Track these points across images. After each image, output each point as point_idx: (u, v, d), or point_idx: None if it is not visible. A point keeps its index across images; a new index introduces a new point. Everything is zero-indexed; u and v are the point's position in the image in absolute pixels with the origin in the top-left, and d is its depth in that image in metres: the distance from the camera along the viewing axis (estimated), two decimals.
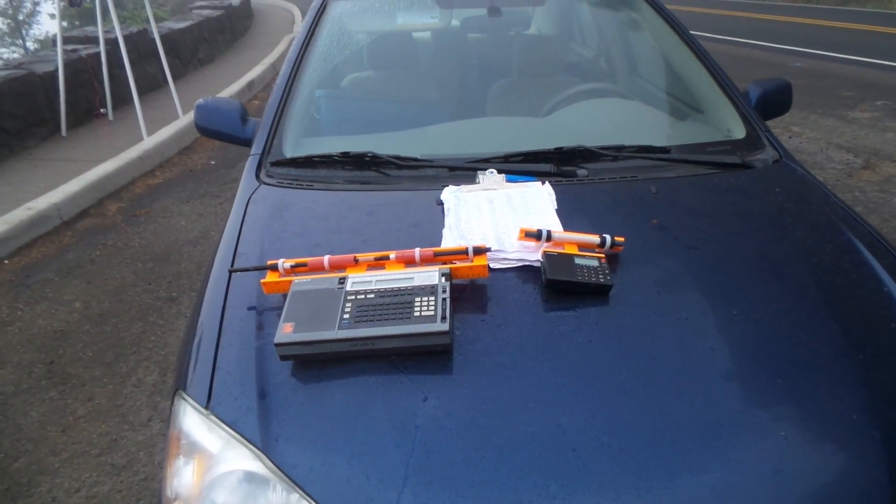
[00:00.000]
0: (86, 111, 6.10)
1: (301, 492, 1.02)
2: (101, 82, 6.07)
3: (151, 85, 7.28)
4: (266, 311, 1.30)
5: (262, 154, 1.86)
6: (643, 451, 1.02)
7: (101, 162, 4.86)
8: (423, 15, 2.50)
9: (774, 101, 2.20)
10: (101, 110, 6.18)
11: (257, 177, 1.78)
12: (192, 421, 1.14)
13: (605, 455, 1.01)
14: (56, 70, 5.53)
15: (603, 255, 1.33)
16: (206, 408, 1.14)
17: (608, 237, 1.36)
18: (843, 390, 1.13)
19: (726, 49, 9.77)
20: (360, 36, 2.52)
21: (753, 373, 1.14)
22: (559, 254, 1.31)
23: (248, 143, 1.98)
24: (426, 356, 1.17)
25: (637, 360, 1.15)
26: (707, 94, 2.13)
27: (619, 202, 1.60)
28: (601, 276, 1.27)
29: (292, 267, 1.32)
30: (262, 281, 1.31)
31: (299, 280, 1.28)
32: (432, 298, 1.19)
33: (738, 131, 1.95)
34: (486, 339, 1.20)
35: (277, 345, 1.15)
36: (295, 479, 1.03)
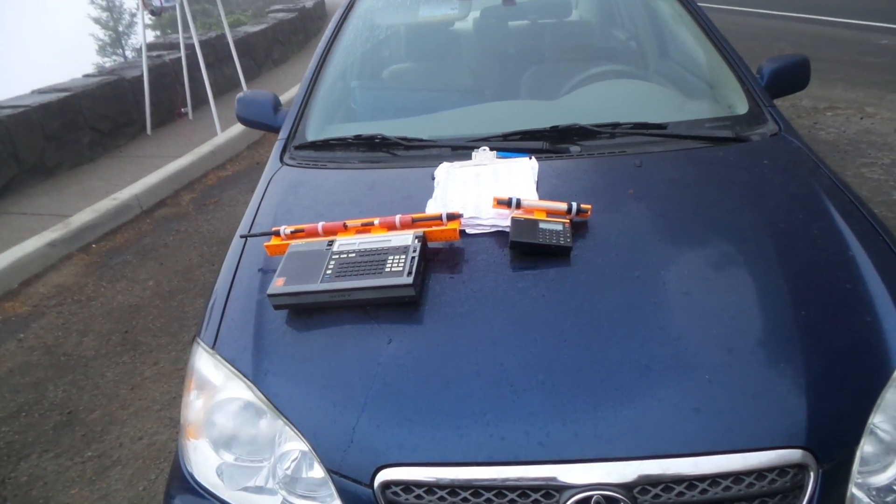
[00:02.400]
0: (169, 111, 6.62)
1: (283, 417, 1.20)
2: (182, 84, 6.58)
3: (229, 85, 7.78)
4: (269, 270, 1.50)
5: (287, 139, 2.07)
6: (573, 388, 1.14)
7: (179, 157, 5.30)
8: (443, 7, 2.65)
9: (790, 77, 2.21)
10: (182, 110, 6.69)
11: (281, 159, 2.00)
12: (202, 360, 1.36)
13: (538, 391, 1.14)
14: (142, 75, 6.05)
15: (568, 221, 1.44)
16: (213, 348, 1.35)
17: (575, 204, 1.47)
18: (776, 342, 1.20)
19: (810, 28, 9.31)
20: (382, 30, 2.71)
21: (691, 324, 1.23)
22: (526, 219, 1.44)
23: (279, 130, 2.20)
24: (396, 306, 1.33)
25: (583, 312, 1.27)
26: (715, 71, 2.17)
27: (602, 175, 1.70)
28: (562, 239, 1.39)
29: (292, 232, 1.51)
30: (265, 244, 1.51)
31: (296, 243, 1.47)
32: (403, 257, 1.35)
33: (741, 107, 1.99)
34: (451, 293, 1.34)
35: (270, 295, 1.35)
36: (278, 406, 1.22)
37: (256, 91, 2.36)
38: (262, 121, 2.28)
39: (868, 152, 4.81)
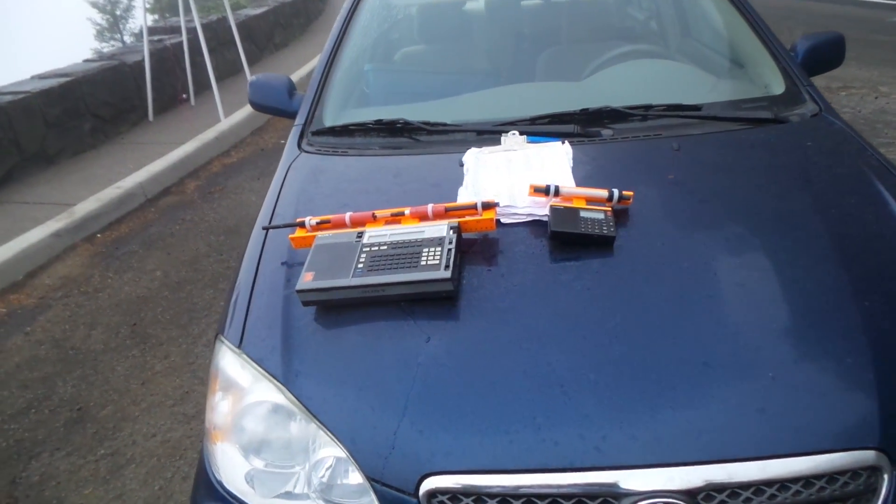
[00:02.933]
0: (171, 97, 6.51)
1: (317, 421, 1.14)
2: (184, 69, 6.46)
3: (231, 70, 7.64)
4: (295, 264, 1.43)
5: (305, 124, 1.99)
6: (628, 388, 1.07)
7: (182, 144, 5.21)
8: None
9: (825, 55, 2.12)
10: (184, 95, 6.58)
11: (299, 145, 1.91)
12: (228, 360, 1.29)
13: (591, 391, 1.07)
14: (143, 60, 5.93)
15: (609, 209, 1.37)
16: (239, 347, 1.28)
17: (616, 191, 1.39)
18: (841, 335, 1.13)
19: (819, 7, 9.16)
20: (397, 11, 2.61)
21: (749, 318, 1.16)
22: (565, 207, 1.36)
23: (295, 115, 2.12)
24: (432, 302, 1.25)
25: (631, 306, 1.19)
26: (748, 49, 2.08)
27: (638, 160, 1.62)
28: (605, 228, 1.31)
29: (318, 224, 1.44)
30: (290, 236, 1.43)
31: (322, 235, 1.39)
32: (438, 249, 1.27)
33: (777, 86, 1.90)
34: (490, 286, 1.27)
35: (299, 291, 1.27)
36: (311, 409, 1.15)
37: (269, 74, 2.27)
38: (277, 105, 2.19)
39: (885, 132, 4.73)
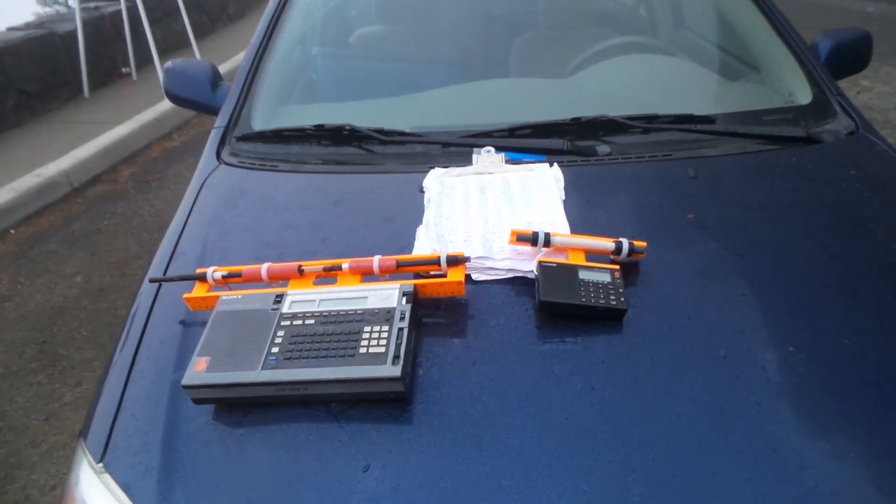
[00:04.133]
0: (109, 71, 5.92)
1: None
2: (124, 41, 5.87)
3: (178, 43, 7.04)
4: (192, 333, 1.05)
5: (227, 127, 1.59)
6: None
7: (118, 124, 4.69)
8: None
9: (850, 55, 1.81)
10: (124, 70, 6.00)
11: (218, 155, 1.52)
12: (86, 479, 0.91)
13: None
14: (76, 29, 5.35)
15: (617, 267, 1.02)
16: (101, 462, 0.91)
17: (625, 242, 1.05)
18: None
19: None
20: None
21: (815, 444, 0.83)
22: (559, 265, 1.01)
23: (219, 112, 1.71)
24: (376, 405, 0.90)
25: (655, 421, 0.86)
26: (765, 49, 1.75)
27: (647, 190, 1.28)
28: (612, 298, 0.97)
29: (224, 277, 1.06)
30: (185, 296, 1.06)
31: (227, 297, 1.02)
32: (385, 329, 0.91)
33: (803, 95, 1.58)
34: (455, 381, 0.92)
35: (186, 387, 0.90)
36: None
37: (189, 60, 1.85)
38: (196, 99, 1.78)
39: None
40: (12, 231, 3.52)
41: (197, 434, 0.91)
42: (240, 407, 0.93)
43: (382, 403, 0.89)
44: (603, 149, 1.39)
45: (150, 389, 0.98)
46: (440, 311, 1.02)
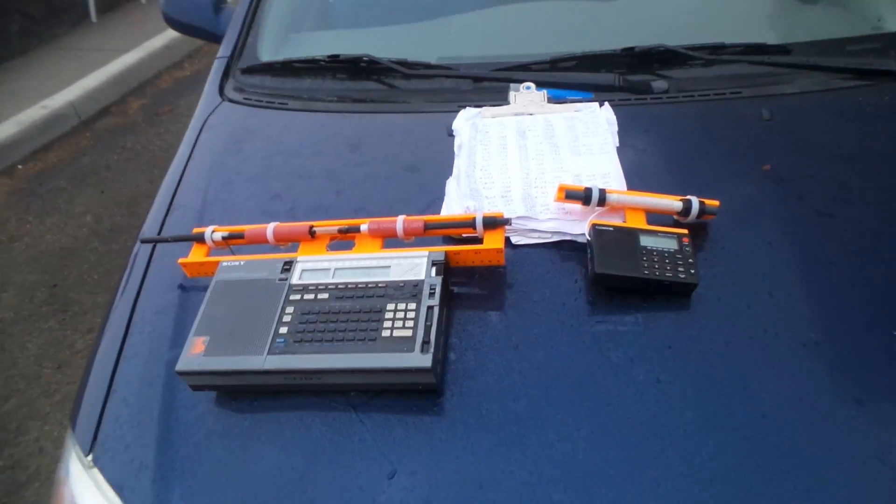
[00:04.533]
0: None
1: None
2: None
3: None
4: (191, 301, 0.92)
5: (231, 57, 1.41)
6: None
7: (127, 51, 4.48)
8: None
9: None
10: None
11: (221, 90, 1.35)
12: (74, 476, 0.81)
13: None
14: None
15: (686, 231, 0.86)
16: (89, 456, 0.80)
17: (695, 201, 0.88)
18: None
19: None
20: None
21: None
22: (616, 229, 0.85)
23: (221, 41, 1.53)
24: (401, 397, 0.77)
25: (734, 423, 0.71)
26: None
27: (712, 136, 1.09)
28: (681, 269, 0.81)
29: (224, 238, 0.92)
30: (180, 261, 0.92)
31: (228, 263, 0.88)
32: (412, 308, 0.77)
33: (892, 18, 1.35)
34: (495, 369, 0.78)
35: (181, 373, 0.78)
36: None
37: None
38: (197, 24, 1.60)
39: None
40: (20, 166, 3.41)
41: (197, 425, 0.79)
42: (245, 392, 0.80)
43: (409, 394, 0.76)
44: (659, 85, 1.20)
45: (144, 370, 0.85)
46: (474, 281, 0.88)
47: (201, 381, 0.78)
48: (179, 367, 0.77)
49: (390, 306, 0.78)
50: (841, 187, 0.97)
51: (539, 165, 0.99)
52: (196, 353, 0.78)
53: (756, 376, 0.75)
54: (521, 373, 0.77)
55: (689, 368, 0.76)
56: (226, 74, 1.39)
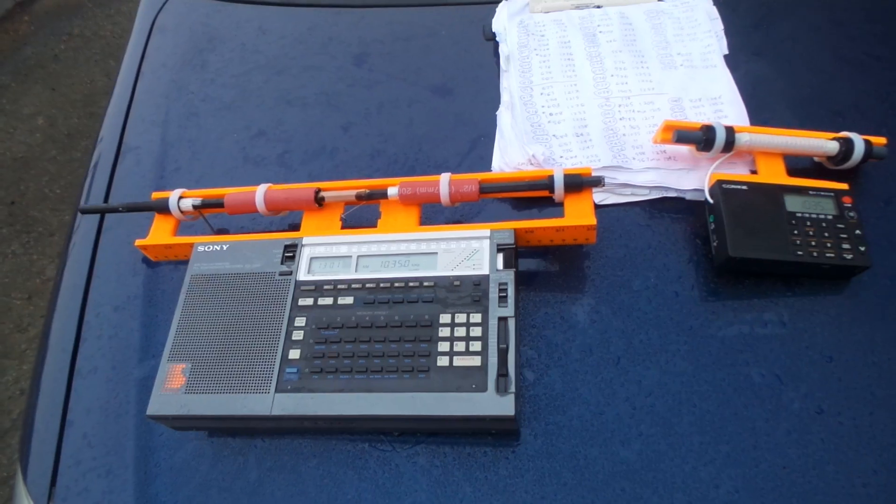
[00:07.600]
0: None
1: None
2: None
3: None
4: (161, 289, 0.68)
5: None
6: None
7: None
8: None
9: None
10: None
11: None
12: None
13: None
14: None
15: (846, 187, 0.62)
16: (27, 483, 0.60)
17: (857, 138, 0.63)
18: None
19: None
20: None
21: None
22: (751, 187, 0.61)
23: None
24: (465, 434, 0.56)
25: None
26: None
27: (874, 33, 0.81)
28: (845, 245, 0.58)
29: (196, 207, 0.66)
30: (138, 243, 0.67)
31: (206, 247, 0.63)
32: (476, 320, 0.54)
33: None
34: (590, 397, 0.57)
35: (153, 418, 0.55)
36: None
37: None
38: None
39: None
40: None
41: (186, 472, 0.58)
42: (249, 433, 0.59)
43: (475, 435, 0.55)
44: None
45: (106, 391, 0.63)
46: (547, 260, 0.64)
47: (184, 423, 0.56)
48: (151, 410, 0.55)
49: (444, 318, 0.54)
50: None
51: (622, 86, 0.72)
52: (173, 388, 0.55)
53: None
54: (628, 401, 0.56)
55: (860, 391, 0.55)
56: None
